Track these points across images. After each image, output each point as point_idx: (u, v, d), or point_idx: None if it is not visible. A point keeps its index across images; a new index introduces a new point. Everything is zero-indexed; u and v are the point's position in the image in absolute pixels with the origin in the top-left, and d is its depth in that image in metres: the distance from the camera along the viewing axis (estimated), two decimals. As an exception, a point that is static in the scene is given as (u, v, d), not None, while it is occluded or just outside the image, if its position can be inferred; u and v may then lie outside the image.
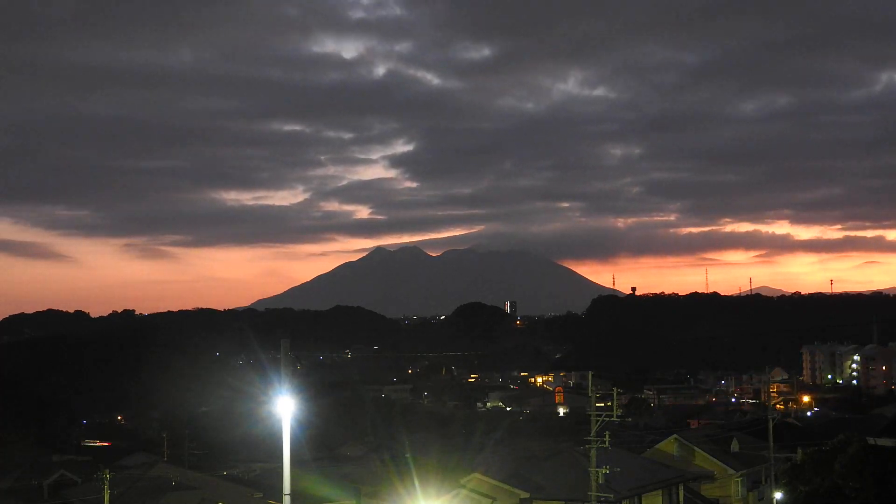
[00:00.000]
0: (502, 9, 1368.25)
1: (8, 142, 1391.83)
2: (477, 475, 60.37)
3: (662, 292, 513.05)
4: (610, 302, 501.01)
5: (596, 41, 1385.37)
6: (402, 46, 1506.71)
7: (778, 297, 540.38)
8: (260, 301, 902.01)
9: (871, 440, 69.53)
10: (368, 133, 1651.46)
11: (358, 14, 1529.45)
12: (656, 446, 79.52)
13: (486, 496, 58.24)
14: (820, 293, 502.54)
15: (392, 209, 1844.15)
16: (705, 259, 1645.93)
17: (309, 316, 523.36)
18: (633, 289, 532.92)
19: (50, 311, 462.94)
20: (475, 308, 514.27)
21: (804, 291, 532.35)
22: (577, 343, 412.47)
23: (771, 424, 72.40)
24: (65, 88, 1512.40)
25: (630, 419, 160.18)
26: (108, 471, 55.07)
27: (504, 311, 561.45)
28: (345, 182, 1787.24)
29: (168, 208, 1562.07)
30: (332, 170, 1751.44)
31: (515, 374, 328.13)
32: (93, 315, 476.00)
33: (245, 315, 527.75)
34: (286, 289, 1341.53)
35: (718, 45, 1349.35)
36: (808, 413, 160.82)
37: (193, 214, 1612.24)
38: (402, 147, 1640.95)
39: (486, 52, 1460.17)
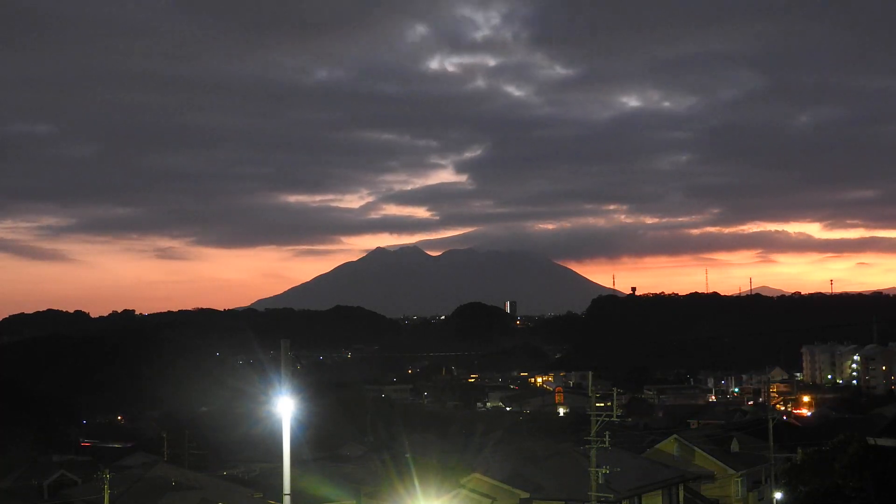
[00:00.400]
0: (591, 34, 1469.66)
1: (93, 149, 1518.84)
2: (477, 475, 60.38)
3: (662, 292, 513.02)
4: (610, 302, 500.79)
5: (672, 64, 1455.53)
6: (500, 65, 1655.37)
7: (778, 297, 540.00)
8: (260, 301, 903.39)
9: (871, 440, 69.49)
10: (448, 141, 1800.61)
11: (471, 36, 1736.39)
12: (656, 446, 79.51)
13: (486, 496, 58.24)
14: (820, 293, 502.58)
15: (446, 210, 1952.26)
16: (706, 259, 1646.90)
17: (309, 316, 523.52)
18: (633, 289, 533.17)
19: (50, 311, 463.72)
20: (475, 308, 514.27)
21: (804, 291, 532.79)
22: (577, 343, 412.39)
23: (771, 424, 72.41)
24: (182, 100, 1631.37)
25: (630, 419, 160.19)
26: (108, 471, 55.07)
27: (504, 311, 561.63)
28: (410, 186, 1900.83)
29: (216, 209, 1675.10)
30: (402, 175, 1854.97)
31: (515, 374, 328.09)
32: (93, 315, 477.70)
33: (245, 315, 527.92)
34: (286, 289, 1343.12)
35: (785, 67, 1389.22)
36: (808, 413, 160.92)
37: (244, 215, 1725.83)
38: (471, 153, 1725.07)
39: (570, 71, 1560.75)
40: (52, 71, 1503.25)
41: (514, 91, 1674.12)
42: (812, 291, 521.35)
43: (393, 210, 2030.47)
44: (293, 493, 37.89)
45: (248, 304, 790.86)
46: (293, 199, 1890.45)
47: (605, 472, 50.86)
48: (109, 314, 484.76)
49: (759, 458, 77.05)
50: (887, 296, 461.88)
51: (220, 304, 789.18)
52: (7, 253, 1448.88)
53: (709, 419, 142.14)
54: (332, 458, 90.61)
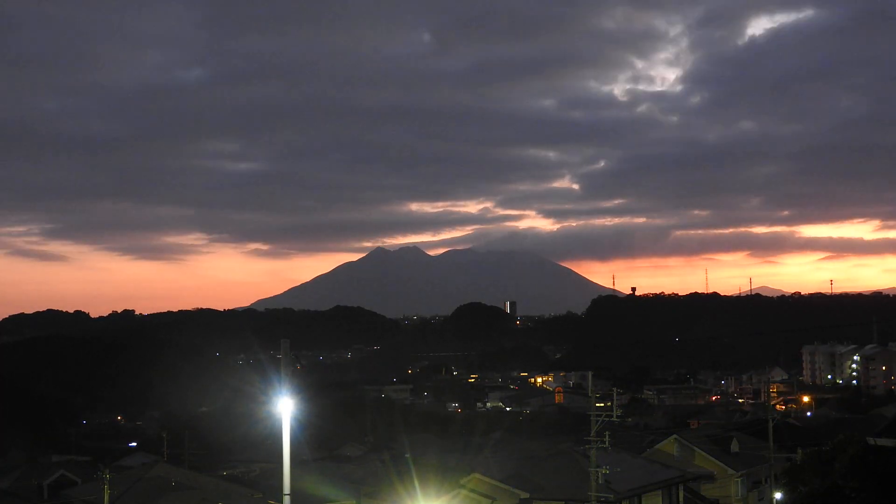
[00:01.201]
0: (725, 64, 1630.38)
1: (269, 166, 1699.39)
2: (477, 475, 60.38)
3: (662, 292, 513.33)
4: (610, 302, 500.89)
5: (791, 91, 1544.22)
6: (654, 93, 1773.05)
7: (778, 297, 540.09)
8: (260, 301, 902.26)
9: (871, 440, 69.53)
10: (585, 156, 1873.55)
11: (648, 71, 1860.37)
12: (656, 446, 79.45)
13: (486, 496, 58.24)
14: (820, 293, 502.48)
15: (550, 212, 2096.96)
16: (706, 259, 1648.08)
17: (309, 316, 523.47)
18: (633, 289, 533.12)
19: (50, 311, 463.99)
20: (475, 308, 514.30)
21: (804, 291, 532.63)
22: (577, 343, 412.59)
23: (771, 424, 72.38)
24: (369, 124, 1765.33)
25: (630, 419, 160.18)
26: (107, 471, 55.04)
27: (504, 311, 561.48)
28: (528, 193, 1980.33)
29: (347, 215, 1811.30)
30: (527, 184, 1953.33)
31: (515, 374, 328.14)
32: (93, 315, 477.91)
33: (245, 315, 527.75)
34: (286, 289, 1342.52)
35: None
36: (808, 413, 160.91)
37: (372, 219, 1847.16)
38: (594, 166, 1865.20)
39: (701, 98, 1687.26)
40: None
41: (658, 117, 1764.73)
42: (812, 291, 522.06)
43: (501, 212, 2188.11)
44: (293, 493, 37.92)
45: (248, 304, 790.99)
46: (415, 206, 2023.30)
47: (605, 472, 50.84)
48: (109, 314, 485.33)
49: (759, 458, 76.96)
50: (887, 296, 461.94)
51: (220, 304, 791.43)
52: (7, 253, 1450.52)
53: (709, 419, 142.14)
54: (332, 458, 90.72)
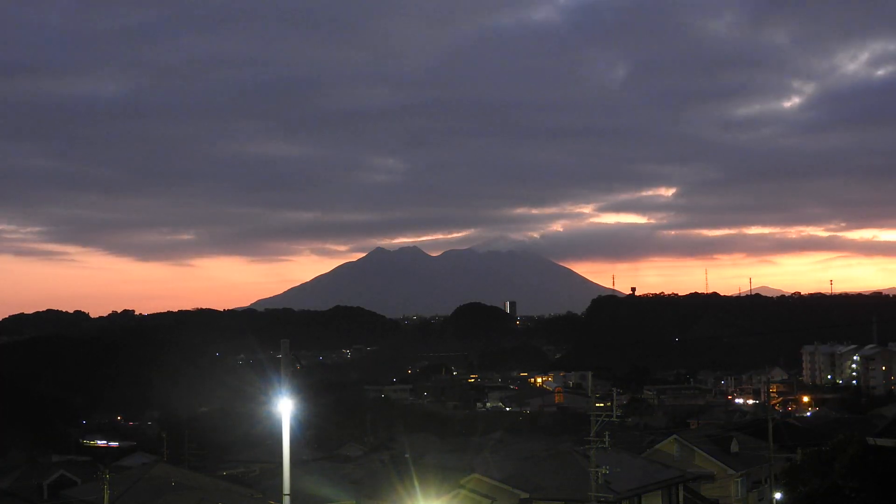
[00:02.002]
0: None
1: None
2: (476, 475, 60.39)
3: (662, 292, 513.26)
4: (610, 302, 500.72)
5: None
6: (780, 115, 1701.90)
7: (778, 297, 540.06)
8: (259, 301, 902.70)
9: (870, 440, 69.54)
10: (690, 170, 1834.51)
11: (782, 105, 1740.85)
12: (656, 446, 79.39)
13: (486, 496, 58.24)
14: (820, 293, 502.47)
15: (654, 215, 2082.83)
16: (706, 259, 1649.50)
17: (309, 316, 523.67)
18: (633, 289, 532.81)
19: (50, 311, 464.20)
20: (475, 308, 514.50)
21: (804, 291, 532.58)
22: (577, 343, 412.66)
23: (771, 425, 72.38)
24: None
25: (630, 419, 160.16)
26: (107, 471, 55.02)
27: (504, 311, 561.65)
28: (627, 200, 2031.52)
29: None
30: (628, 193, 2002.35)
31: (515, 374, 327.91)
32: (93, 315, 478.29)
33: (245, 315, 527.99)
34: (286, 289, 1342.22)
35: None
36: (808, 413, 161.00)
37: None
38: (698, 178, 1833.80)
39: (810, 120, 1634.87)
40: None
41: (773, 136, 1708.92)
42: (812, 291, 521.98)
43: (601, 215, 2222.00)
44: (293, 494, 37.95)
45: (248, 304, 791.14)
46: (520, 210, 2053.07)
47: (605, 472, 50.86)
48: (109, 314, 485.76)
49: (759, 458, 76.98)
50: (887, 296, 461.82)
51: (220, 304, 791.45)
52: (7, 253, 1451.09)
53: (709, 419, 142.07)
54: (332, 458, 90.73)
